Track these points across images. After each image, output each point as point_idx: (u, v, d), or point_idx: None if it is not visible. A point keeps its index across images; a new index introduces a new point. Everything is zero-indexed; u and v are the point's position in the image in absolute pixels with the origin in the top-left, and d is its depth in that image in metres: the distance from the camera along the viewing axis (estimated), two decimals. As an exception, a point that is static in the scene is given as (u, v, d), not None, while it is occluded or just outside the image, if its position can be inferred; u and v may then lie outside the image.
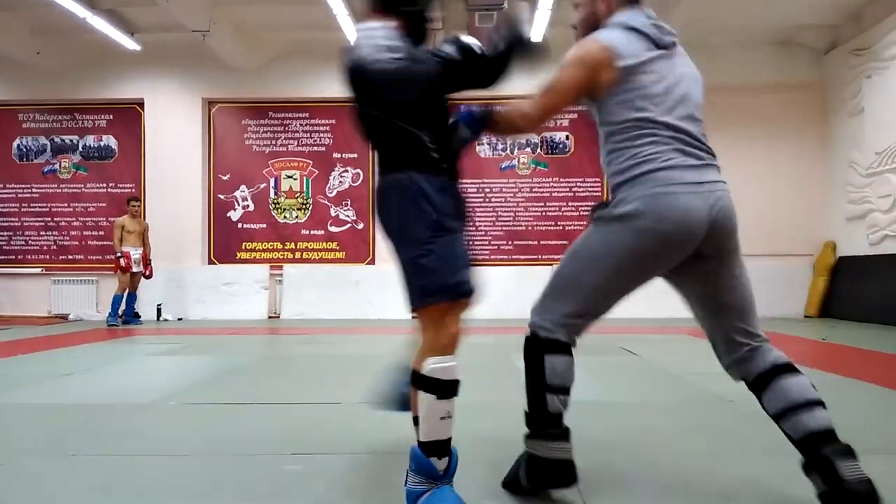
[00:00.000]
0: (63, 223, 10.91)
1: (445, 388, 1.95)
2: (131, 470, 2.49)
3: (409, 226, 2.03)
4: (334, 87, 10.59)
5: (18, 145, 11.00)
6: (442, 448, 1.96)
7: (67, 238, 10.92)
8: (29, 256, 10.90)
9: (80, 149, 10.95)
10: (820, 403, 2.00)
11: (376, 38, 2.11)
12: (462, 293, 2.04)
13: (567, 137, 10.65)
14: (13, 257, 10.88)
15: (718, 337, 2.17)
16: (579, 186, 10.58)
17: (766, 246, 10.18)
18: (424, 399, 1.95)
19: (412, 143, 2.05)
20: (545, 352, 2.08)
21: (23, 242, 10.92)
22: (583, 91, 2.10)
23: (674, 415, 3.37)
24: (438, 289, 2.00)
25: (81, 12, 8.58)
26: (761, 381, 2.07)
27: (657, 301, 10.02)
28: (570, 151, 10.62)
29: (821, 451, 1.90)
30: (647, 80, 2.03)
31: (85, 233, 10.88)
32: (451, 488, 1.98)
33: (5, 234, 10.92)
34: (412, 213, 2.02)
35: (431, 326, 2.01)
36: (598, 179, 10.58)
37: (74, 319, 10.21)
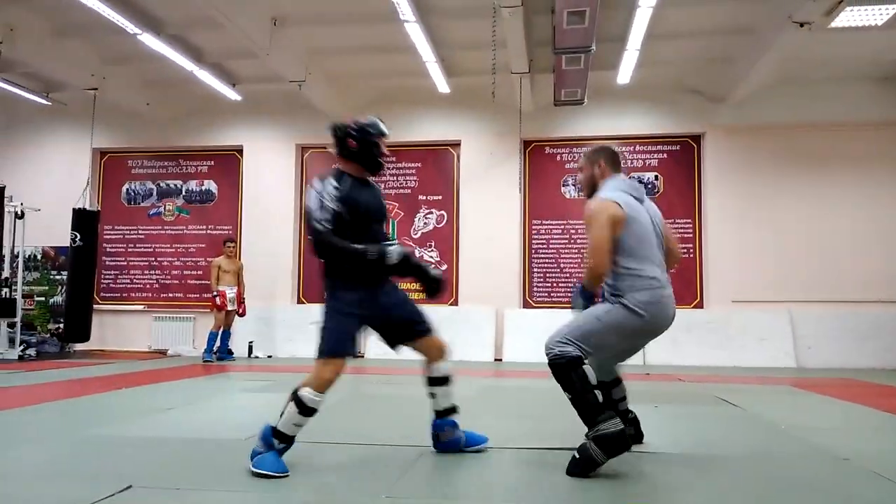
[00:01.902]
0: (165, 263, 11.52)
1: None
2: (231, 506, 2.54)
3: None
4: (421, 132, 10.89)
5: (127, 189, 11.76)
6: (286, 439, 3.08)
7: (168, 277, 11.50)
8: (133, 294, 11.53)
9: (183, 193, 11.61)
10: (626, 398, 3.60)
11: None
12: None
13: (657, 178, 10.44)
14: (118, 295, 11.54)
15: (611, 363, 3.51)
16: (670, 228, 10.26)
17: (875, 292, 9.57)
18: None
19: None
20: (580, 364, 3.04)
21: (128, 281, 11.57)
22: (612, 239, 3.18)
23: (783, 471, 3.15)
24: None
25: (189, 66, 9.18)
26: (616, 382, 3.55)
27: (753, 348, 9.56)
28: (660, 192, 10.38)
29: (631, 415, 3.60)
30: (637, 227, 3.22)
31: (185, 272, 11.44)
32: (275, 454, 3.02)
33: (112, 272, 11.61)
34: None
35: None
36: (689, 220, 10.29)
37: (172, 355, 10.67)
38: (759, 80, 9.27)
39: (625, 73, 9.19)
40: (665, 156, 10.46)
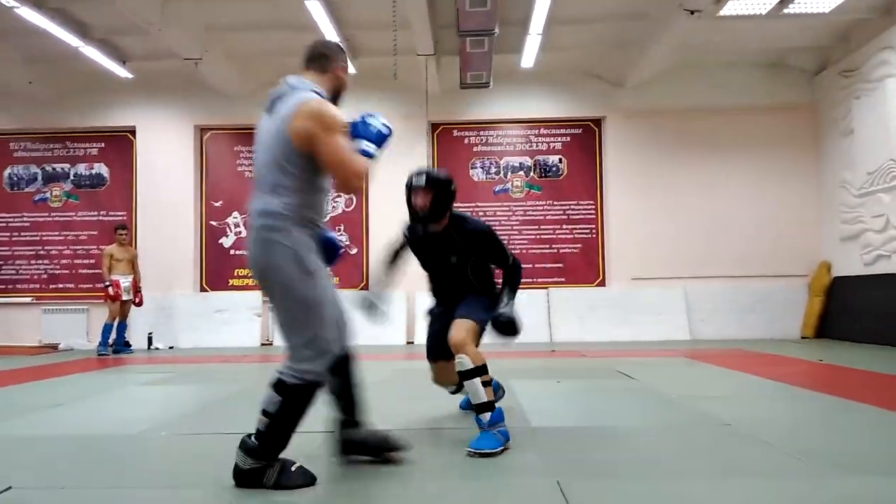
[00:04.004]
0: (54, 252, 10.83)
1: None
2: (120, 502, 2.42)
3: None
4: (327, 113, 10.66)
5: (10, 174, 10.95)
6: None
7: (58, 267, 10.83)
8: (19, 286, 10.79)
9: (72, 177, 10.92)
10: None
11: None
12: None
13: (560, 160, 10.68)
14: (4, 287, 10.77)
15: None
16: (573, 209, 10.58)
17: (762, 267, 10.18)
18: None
19: None
20: None
21: (13, 272, 10.82)
22: None
23: (672, 439, 3.31)
24: None
25: (74, 42, 8.60)
26: None
27: (651, 323, 10.01)
28: (564, 174, 10.64)
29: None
30: None
31: (76, 261, 10.80)
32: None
33: (-5, 263, 10.83)
34: None
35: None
36: (591, 202, 10.58)
37: (65, 349, 10.08)
38: (655, 66, 9.63)
39: (528, 56, 9.32)
40: (568, 139, 10.71)
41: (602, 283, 10.49)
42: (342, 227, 10.74)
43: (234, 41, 9.43)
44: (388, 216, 10.50)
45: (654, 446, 3.16)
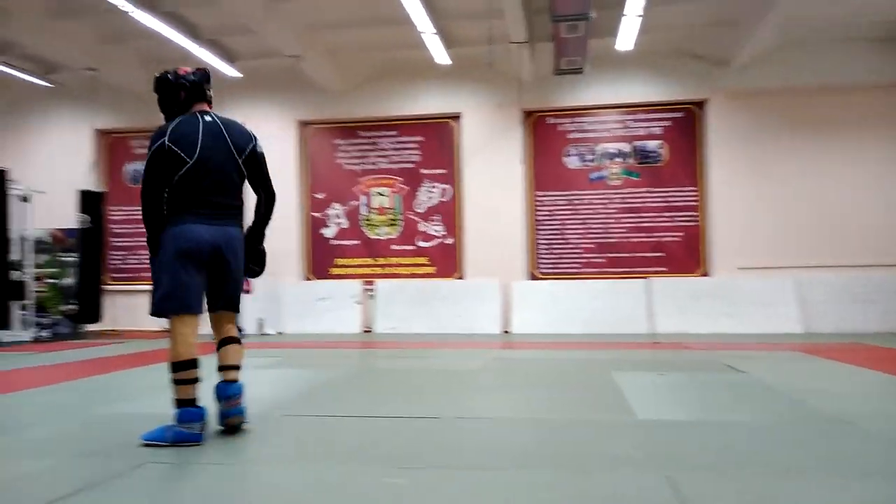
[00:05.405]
0: (171, 243, 11.55)
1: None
2: (245, 478, 2.59)
3: None
4: (421, 105, 10.82)
5: (130, 170, 11.76)
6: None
7: (175, 257, 11.53)
8: (142, 274, 11.59)
9: (186, 172, 11.59)
10: None
11: None
12: None
13: (660, 146, 10.36)
14: (129, 276, 11.61)
15: None
16: (674, 196, 10.25)
17: (881, 256, 9.53)
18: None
19: None
20: None
21: (136, 261, 11.64)
22: None
23: (787, 435, 3.18)
24: None
25: (185, 43, 9.12)
26: None
27: (759, 315, 9.58)
28: (664, 160, 10.32)
29: None
30: None
31: (191, 251, 11.48)
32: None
33: (120, 253, 11.68)
34: None
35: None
36: (694, 188, 10.22)
37: (182, 334, 10.73)
38: (761, 44, 9.15)
39: (625, 39, 9.07)
40: (669, 123, 10.37)
41: (705, 273, 10.13)
42: (438, 218, 10.88)
43: (333, 38, 9.71)
44: (482, 205, 10.56)
45: (767, 443, 3.04)
